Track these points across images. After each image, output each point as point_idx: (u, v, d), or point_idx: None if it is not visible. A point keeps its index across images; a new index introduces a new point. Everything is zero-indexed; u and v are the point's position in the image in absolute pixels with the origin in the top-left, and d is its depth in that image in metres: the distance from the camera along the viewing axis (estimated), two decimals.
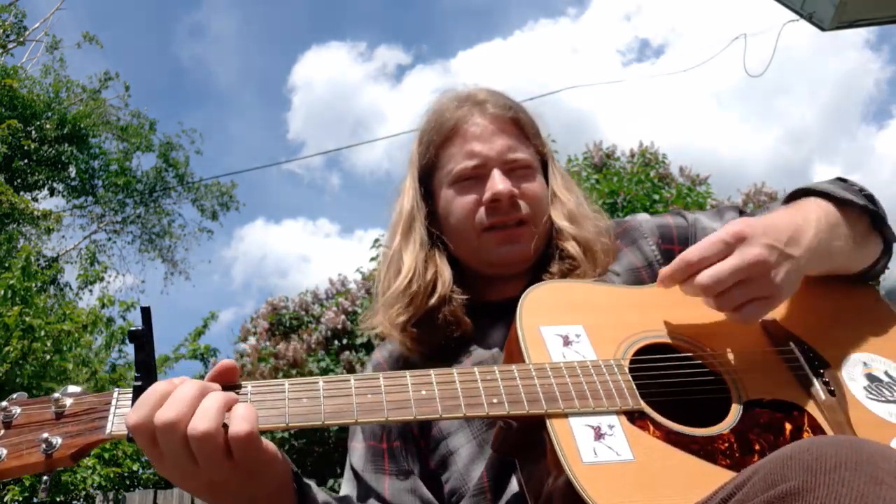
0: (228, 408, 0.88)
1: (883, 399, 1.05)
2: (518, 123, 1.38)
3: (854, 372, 1.08)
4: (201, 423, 0.84)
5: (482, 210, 1.31)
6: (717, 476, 0.86)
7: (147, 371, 0.92)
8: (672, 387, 1.03)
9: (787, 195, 1.23)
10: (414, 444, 1.28)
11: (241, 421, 0.86)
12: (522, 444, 1.03)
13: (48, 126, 14.31)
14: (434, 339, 1.30)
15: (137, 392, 0.90)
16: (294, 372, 7.70)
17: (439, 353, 1.31)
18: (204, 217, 17.41)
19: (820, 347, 1.10)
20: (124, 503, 5.93)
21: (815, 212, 1.13)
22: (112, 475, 6.31)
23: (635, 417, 0.97)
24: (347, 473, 1.32)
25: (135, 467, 6.77)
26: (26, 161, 14.04)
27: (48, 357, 6.51)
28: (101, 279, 10.23)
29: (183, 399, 0.86)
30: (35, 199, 13.76)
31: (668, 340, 1.09)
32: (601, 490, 0.87)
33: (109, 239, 16.64)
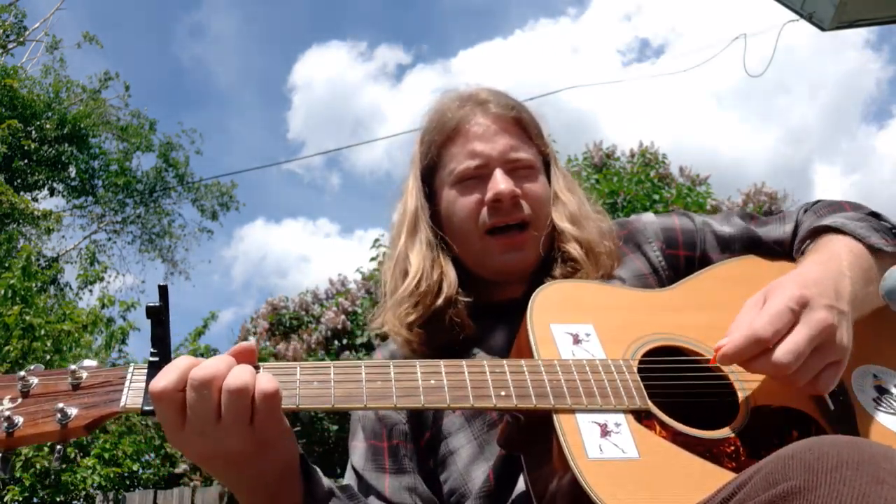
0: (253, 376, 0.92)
1: (892, 411, 1.05)
2: (520, 123, 1.38)
3: (864, 383, 1.08)
4: (237, 378, 0.89)
5: (485, 210, 1.31)
6: (722, 477, 0.86)
7: (163, 346, 0.95)
8: (680, 389, 1.04)
9: (812, 228, 1.20)
10: (414, 444, 1.29)
11: (268, 381, 0.90)
12: (529, 439, 1.03)
13: (48, 126, 14.32)
14: (440, 339, 1.30)
15: (153, 366, 0.93)
16: None
17: (442, 355, 1.31)
18: (204, 217, 17.45)
19: None
20: (124, 503, 5.94)
21: (847, 257, 1.10)
22: (112, 475, 6.31)
23: (642, 417, 0.97)
24: (349, 472, 1.32)
25: (135, 467, 6.76)
26: (26, 161, 14.05)
27: (48, 357, 6.50)
28: (101, 279, 10.21)
29: (217, 361, 0.91)
30: (35, 199, 13.77)
31: (677, 343, 1.09)
32: (605, 485, 0.87)
33: (109, 239, 16.68)
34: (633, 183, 8.20)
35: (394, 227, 1.45)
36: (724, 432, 0.98)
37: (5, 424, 0.88)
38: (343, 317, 7.88)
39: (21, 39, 15.64)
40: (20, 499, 5.87)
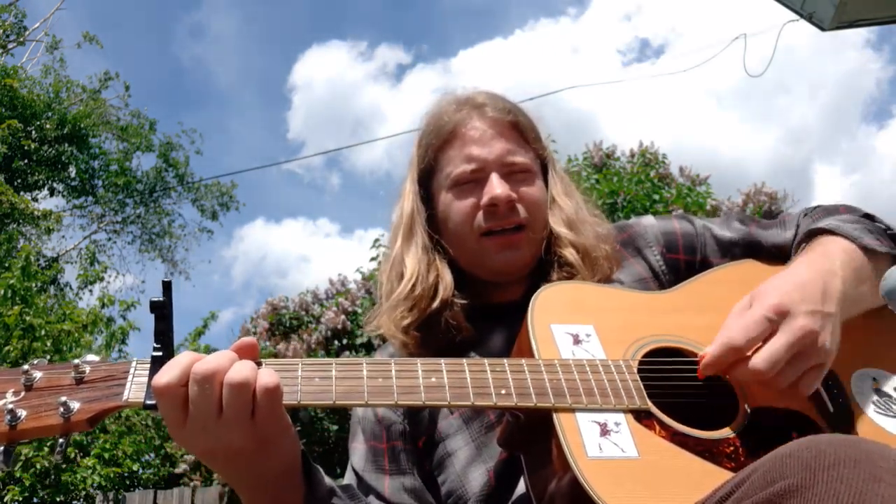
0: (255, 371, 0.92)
1: (891, 414, 1.05)
2: (517, 127, 1.38)
3: (863, 386, 1.08)
4: (238, 373, 0.90)
5: (480, 214, 1.31)
6: (721, 477, 0.87)
7: (166, 342, 0.95)
8: (680, 390, 1.04)
9: (806, 231, 1.21)
10: (413, 445, 1.29)
11: (269, 375, 0.91)
12: (529, 438, 1.04)
13: (48, 126, 14.32)
14: (436, 342, 1.30)
15: (156, 361, 0.93)
16: None
17: (440, 357, 1.31)
18: (204, 217, 17.46)
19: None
20: (124, 503, 5.94)
21: (839, 256, 1.11)
22: (112, 475, 6.31)
23: (642, 417, 0.98)
24: (348, 473, 1.33)
25: (135, 467, 6.77)
26: (26, 161, 14.05)
27: (48, 357, 6.50)
28: (101, 279, 10.23)
29: (219, 356, 0.92)
30: (35, 199, 13.78)
31: (677, 345, 1.10)
32: (605, 484, 0.87)
33: (109, 239, 16.69)
34: (633, 183, 8.19)
35: (391, 229, 1.46)
36: (724, 433, 0.98)
37: (8, 417, 0.88)
38: (343, 317, 7.87)
39: (21, 39, 15.65)
40: (20, 499, 5.87)
